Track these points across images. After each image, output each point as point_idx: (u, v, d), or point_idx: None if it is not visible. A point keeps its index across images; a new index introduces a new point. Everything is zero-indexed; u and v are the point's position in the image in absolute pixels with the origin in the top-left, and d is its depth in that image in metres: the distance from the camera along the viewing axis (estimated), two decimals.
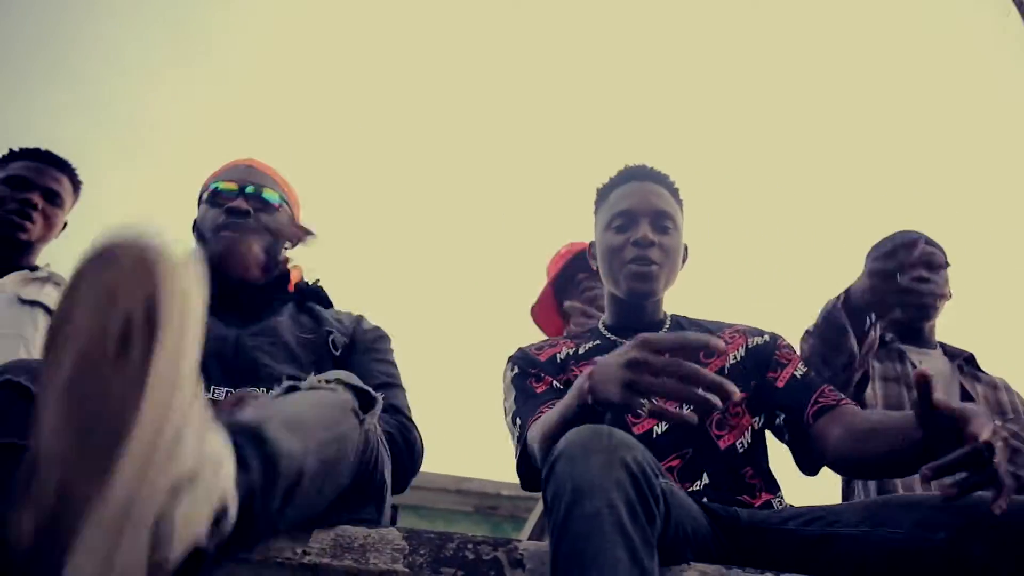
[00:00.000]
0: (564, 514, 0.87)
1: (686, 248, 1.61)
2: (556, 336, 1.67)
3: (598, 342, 1.54)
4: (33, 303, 1.82)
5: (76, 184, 2.05)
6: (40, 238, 1.95)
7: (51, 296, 1.88)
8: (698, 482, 1.32)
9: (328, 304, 1.67)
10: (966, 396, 1.84)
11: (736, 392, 0.96)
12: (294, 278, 1.64)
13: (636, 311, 1.55)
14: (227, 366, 1.38)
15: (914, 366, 1.88)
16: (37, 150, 2.00)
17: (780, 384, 1.45)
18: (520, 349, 1.56)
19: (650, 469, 0.94)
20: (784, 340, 1.55)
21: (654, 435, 1.37)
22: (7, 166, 1.96)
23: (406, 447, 1.36)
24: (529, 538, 2.73)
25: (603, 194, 1.62)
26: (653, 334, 1.03)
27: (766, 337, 1.54)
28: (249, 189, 1.57)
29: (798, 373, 1.46)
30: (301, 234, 1.67)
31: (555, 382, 1.45)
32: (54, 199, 1.96)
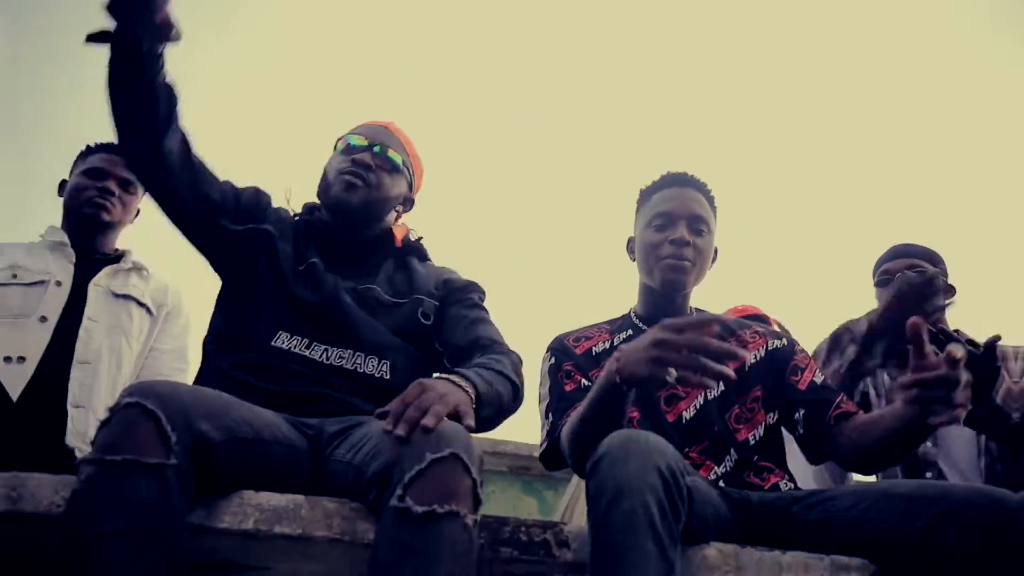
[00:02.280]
0: (605, 509, 1.08)
1: (716, 251, 1.75)
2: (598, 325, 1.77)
3: (631, 332, 1.68)
4: (126, 296, 2.04)
5: None
6: (119, 221, 2.15)
7: (136, 287, 2.09)
8: (717, 466, 1.50)
9: (425, 257, 1.76)
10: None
11: (746, 356, 1.12)
12: (399, 235, 1.73)
13: (667, 303, 1.68)
14: (318, 315, 1.52)
15: None
16: (111, 144, 2.16)
17: (802, 387, 1.60)
18: (558, 339, 1.68)
19: (679, 472, 1.13)
20: (800, 346, 1.70)
21: (683, 420, 1.54)
22: (86, 159, 2.16)
23: (519, 386, 1.49)
24: (565, 509, 2.94)
25: (646, 195, 1.75)
26: (673, 318, 1.20)
27: (784, 341, 1.69)
28: (377, 148, 1.67)
29: (818, 380, 1.63)
30: (409, 203, 1.78)
31: (583, 380, 1.58)
32: (128, 186, 2.15)
